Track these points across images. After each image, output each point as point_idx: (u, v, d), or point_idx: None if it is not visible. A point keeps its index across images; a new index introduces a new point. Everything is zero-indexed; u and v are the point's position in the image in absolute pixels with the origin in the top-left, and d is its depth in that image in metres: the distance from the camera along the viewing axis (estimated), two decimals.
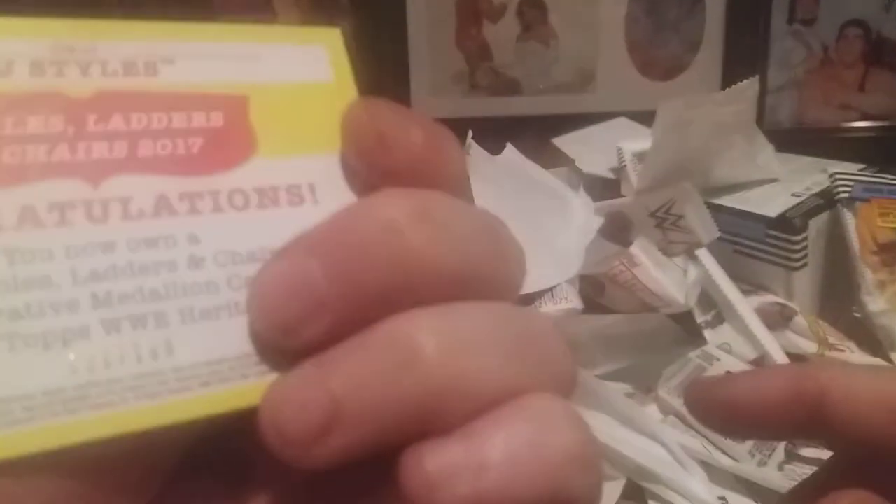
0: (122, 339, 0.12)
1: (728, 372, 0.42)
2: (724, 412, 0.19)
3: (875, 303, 0.45)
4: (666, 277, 0.46)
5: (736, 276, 0.47)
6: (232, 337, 0.13)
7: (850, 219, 0.47)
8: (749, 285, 0.49)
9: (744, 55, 0.94)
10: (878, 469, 0.16)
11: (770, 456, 0.37)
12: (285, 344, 0.12)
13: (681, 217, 0.47)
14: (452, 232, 0.13)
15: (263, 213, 0.14)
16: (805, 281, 0.48)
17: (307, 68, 0.16)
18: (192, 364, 0.12)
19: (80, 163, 0.13)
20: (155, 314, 0.12)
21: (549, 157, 0.59)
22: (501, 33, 0.95)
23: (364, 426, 0.11)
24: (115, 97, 0.14)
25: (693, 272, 0.46)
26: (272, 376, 0.12)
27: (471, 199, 0.16)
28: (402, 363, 0.12)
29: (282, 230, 0.13)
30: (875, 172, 0.50)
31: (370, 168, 0.14)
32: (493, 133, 0.42)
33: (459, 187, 0.15)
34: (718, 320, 0.46)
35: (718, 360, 0.43)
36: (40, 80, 0.13)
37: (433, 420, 0.12)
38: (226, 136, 0.14)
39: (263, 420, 0.12)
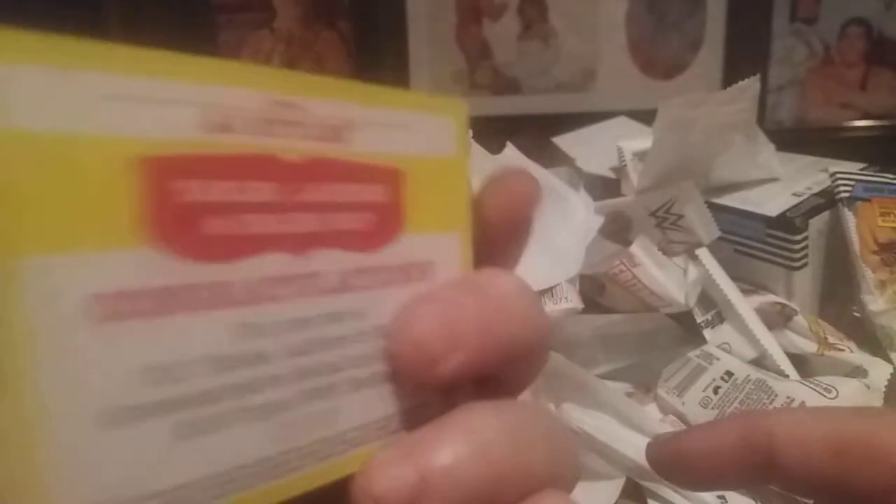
0: (312, 409, 0.13)
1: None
2: (682, 467, 0.19)
3: (875, 303, 0.45)
4: (666, 277, 0.46)
5: (736, 276, 0.47)
6: (380, 401, 0.14)
7: (850, 218, 0.47)
8: (749, 285, 0.49)
9: (745, 54, 0.94)
10: None
11: None
12: (425, 376, 0.14)
13: (681, 217, 0.47)
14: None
15: (399, 290, 0.15)
16: (805, 281, 0.48)
17: (441, 142, 0.16)
18: (350, 429, 0.14)
19: (287, 235, 0.13)
20: (332, 386, 0.14)
21: (549, 157, 0.59)
22: (502, 32, 0.95)
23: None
24: (316, 164, 0.13)
25: (693, 272, 0.46)
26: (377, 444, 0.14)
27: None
28: (481, 450, 0.13)
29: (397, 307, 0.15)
30: (876, 172, 0.50)
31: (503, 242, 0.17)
32: (493, 132, 0.42)
33: None
34: (718, 320, 0.46)
35: (718, 359, 0.43)
36: (259, 140, 0.12)
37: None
38: (387, 211, 0.15)
39: (357, 488, 0.13)
